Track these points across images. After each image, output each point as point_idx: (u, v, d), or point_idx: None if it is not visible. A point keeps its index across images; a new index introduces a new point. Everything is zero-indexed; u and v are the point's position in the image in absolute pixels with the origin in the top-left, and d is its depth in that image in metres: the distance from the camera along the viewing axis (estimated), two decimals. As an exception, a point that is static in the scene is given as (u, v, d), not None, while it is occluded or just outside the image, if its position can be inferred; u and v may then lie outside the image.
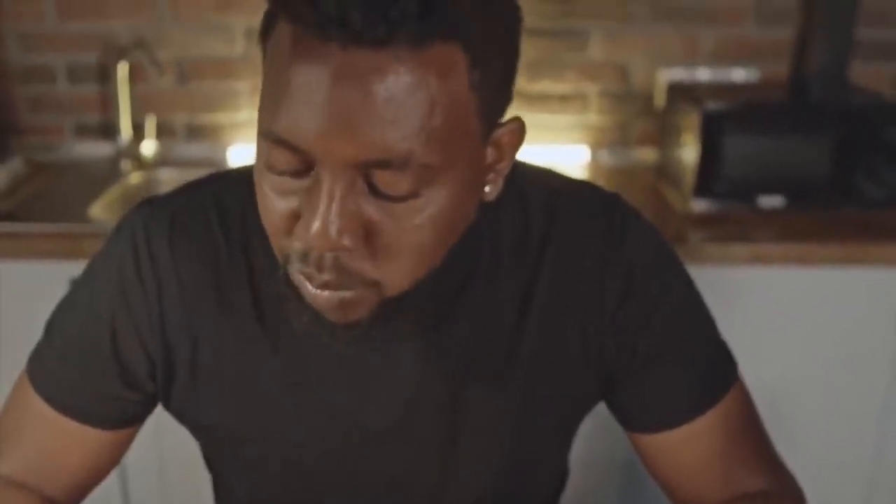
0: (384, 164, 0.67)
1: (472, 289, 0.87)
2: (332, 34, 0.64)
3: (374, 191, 0.69)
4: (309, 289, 0.74)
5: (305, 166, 0.69)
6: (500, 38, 0.72)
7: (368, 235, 0.70)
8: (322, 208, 0.68)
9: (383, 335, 0.83)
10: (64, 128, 2.42)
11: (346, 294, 0.73)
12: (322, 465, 0.93)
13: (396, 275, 0.73)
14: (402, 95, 0.65)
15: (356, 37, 0.64)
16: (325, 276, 0.72)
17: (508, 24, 0.73)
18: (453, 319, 0.87)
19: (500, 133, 0.75)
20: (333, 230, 0.68)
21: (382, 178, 0.68)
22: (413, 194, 0.69)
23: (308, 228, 0.68)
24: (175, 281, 0.88)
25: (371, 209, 0.70)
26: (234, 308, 0.89)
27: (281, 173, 0.71)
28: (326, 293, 0.73)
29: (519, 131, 0.77)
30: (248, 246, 0.88)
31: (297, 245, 0.72)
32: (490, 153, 0.76)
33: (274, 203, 0.72)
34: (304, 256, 0.72)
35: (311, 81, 0.65)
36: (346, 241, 0.69)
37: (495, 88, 0.72)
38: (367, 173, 0.68)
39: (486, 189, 0.78)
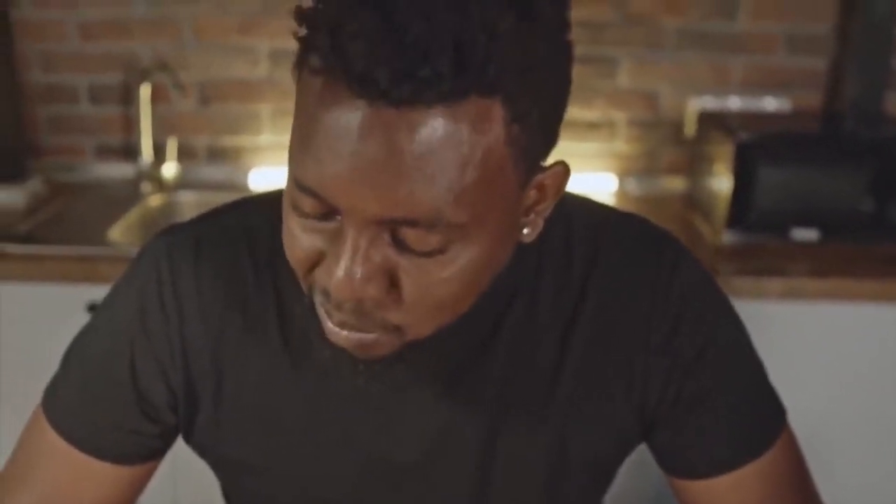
0: (411, 224, 0.65)
1: (511, 319, 0.84)
2: (360, 90, 0.61)
3: (400, 244, 0.67)
4: (328, 325, 0.72)
5: (331, 212, 0.67)
6: (545, 83, 0.67)
7: (392, 284, 0.68)
8: (346, 259, 0.66)
9: (407, 374, 0.81)
10: (85, 149, 2.41)
11: (366, 336, 0.72)
12: (344, 501, 0.90)
13: (420, 323, 0.72)
14: (431, 153, 0.62)
15: (383, 94, 0.60)
16: (344, 317, 0.71)
17: (556, 65, 0.68)
18: (491, 350, 0.84)
19: (542, 177, 0.72)
20: (357, 281, 0.66)
21: (409, 235, 0.66)
22: (440, 251, 0.67)
23: (331, 276, 0.67)
24: (199, 309, 0.86)
25: (396, 260, 0.67)
26: (260, 338, 0.86)
27: (307, 216, 0.69)
28: (345, 332, 0.72)
29: (563, 174, 0.74)
30: (276, 274, 0.86)
31: (320, 281, 0.70)
32: (531, 195, 0.73)
33: (299, 241, 0.70)
34: (326, 293, 0.70)
35: (339, 134, 0.63)
36: (370, 292, 0.67)
37: (537, 134, 0.68)
38: (393, 228, 0.66)
39: (525, 231, 0.75)
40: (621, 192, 2.34)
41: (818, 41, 2.24)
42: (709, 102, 2.28)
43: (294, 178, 0.67)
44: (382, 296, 0.68)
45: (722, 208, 1.96)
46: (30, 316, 1.89)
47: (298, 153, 0.66)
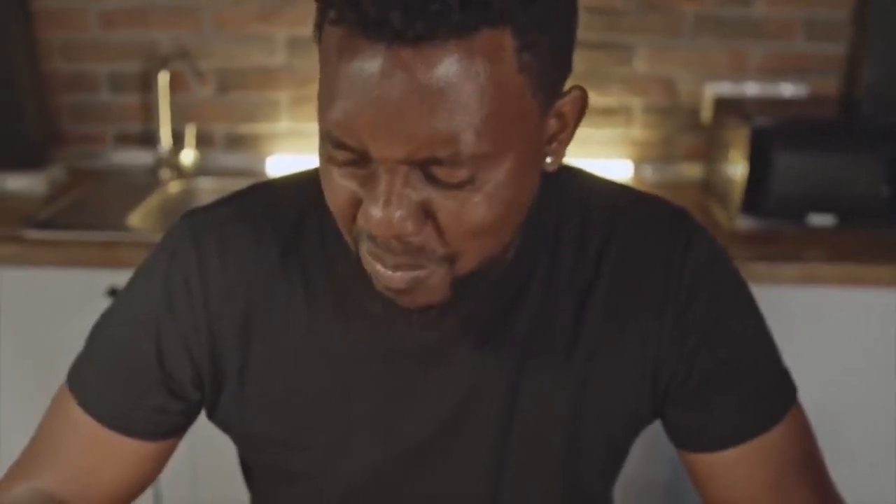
0: (437, 162, 0.67)
1: (532, 286, 0.86)
2: (376, 34, 0.63)
3: (432, 179, 0.69)
4: (380, 270, 0.74)
5: (364, 157, 0.69)
6: (552, 12, 0.69)
7: (430, 216, 0.71)
8: (381, 199, 0.69)
9: (455, 322, 0.83)
10: (105, 136, 2.43)
11: (420, 273, 0.73)
12: (369, 474, 0.92)
13: (465, 251, 0.73)
14: (449, 88, 0.64)
15: (398, 35, 0.63)
16: (398, 259, 0.73)
17: None
18: (516, 311, 0.86)
19: (561, 104, 0.74)
20: (394, 218, 0.69)
21: (438, 170, 0.68)
22: (470, 180, 0.69)
23: (370, 217, 0.69)
24: (224, 288, 0.87)
25: (430, 194, 0.70)
26: (284, 315, 0.88)
27: (342, 165, 0.71)
28: (399, 273, 0.73)
29: (581, 99, 0.76)
30: (300, 248, 0.88)
31: (365, 228, 0.72)
32: (552, 124, 0.75)
33: (339, 189, 0.73)
34: (373, 238, 0.72)
35: (360, 80, 0.65)
36: (408, 228, 0.70)
37: (549, 63, 0.70)
38: (422, 165, 0.68)
39: (548, 160, 0.77)
40: (638, 179, 2.34)
41: (836, 27, 2.23)
42: (726, 88, 2.28)
43: (324, 130, 0.69)
44: (422, 229, 0.70)
45: (738, 194, 1.96)
46: (51, 300, 1.91)
47: (326, 105, 0.68)
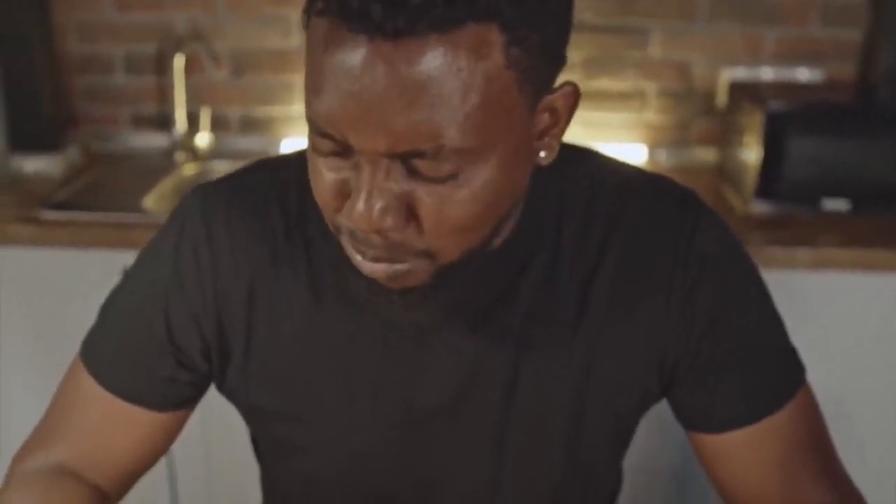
0: (419, 155, 0.67)
1: (533, 267, 0.86)
2: (358, 27, 0.63)
3: (414, 173, 0.69)
4: (360, 261, 0.75)
5: (346, 148, 0.70)
6: (543, 6, 0.68)
7: (412, 211, 0.70)
8: (363, 192, 0.69)
9: (440, 306, 0.82)
10: (120, 118, 2.43)
11: (400, 266, 0.74)
12: (372, 449, 0.92)
13: (445, 246, 0.73)
14: (431, 82, 0.64)
15: (378, 27, 0.63)
16: (376, 252, 0.73)
17: None
18: (514, 296, 0.86)
19: (552, 99, 0.74)
20: (375, 213, 0.69)
21: (421, 163, 0.68)
22: (453, 175, 0.69)
23: (351, 211, 0.69)
24: (232, 260, 0.88)
25: (412, 189, 0.70)
26: (290, 289, 0.88)
27: (326, 155, 0.71)
28: (380, 266, 0.74)
29: (573, 95, 0.75)
30: (305, 223, 0.88)
31: (346, 222, 0.72)
32: (544, 119, 0.74)
33: (323, 180, 0.73)
34: (353, 233, 0.73)
35: (342, 72, 0.65)
36: (389, 222, 0.69)
37: (540, 59, 0.69)
38: (404, 158, 0.68)
39: (542, 154, 0.77)
40: (652, 163, 2.33)
41: (853, 12, 2.21)
42: (741, 73, 2.26)
43: (309, 120, 0.70)
44: (402, 224, 0.70)
45: (752, 178, 1.96)
46: (66, 281, 1.92)
47: (310, 95, 0.69)
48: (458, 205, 0.70)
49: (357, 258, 0.75)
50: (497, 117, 0.68)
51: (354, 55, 0.64)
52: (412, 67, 0.63)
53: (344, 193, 0.72)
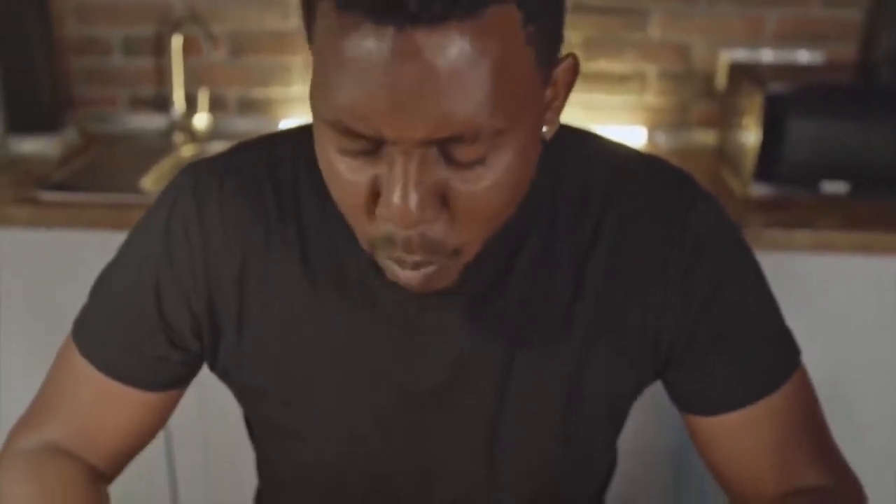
0: (456, 139, 0.67)
1: (527, 250, 0.86)
2: (387, 18, 0.62)
3: (449, 159, 0.69)
4: (398, 271, 0.74)
5: (376, 146, 0.69)
6: None
7: (444, 202, 0.70)
8: (399, 187, 0.68)
9: (431, 300, 0.83)
10: (118, 100, 2.43)
11: (430, 269, 0.74)
12: (366, 434, 0.92)
13: (472, 238, 0.74)
14: (465, 67, 0.64)
15: (413, 18, 0.62)
16: (416, 257, 0.72)
17: None
18: (508, 280, 0.86)
19: (556, 73, 0.74)
20: (414, 206, 0.68)
21: (455, 149, 0.68)
22: (481, 160, 0.69)
23: (389, 208, 0.68)
24: (223, 238, 0.88)
25: (444, 175, 0.69)
26: (282, 268, 0.88)
27: (354, 156, 0.70)
28: (415, 273, 0.74)
29: (573, 67, 0.76)
30: (299, 202, 0.88)
31: (381, 229, 0.72)
32: (548, 93, 0.75)
33: (350, 186, 0.72)
34: (391, 241, 0.72)
35: (371, 65, 0.64)
36: (428, 215, 0.69)
37: (550, 33, 0.70)
38: (439, 145, 0.68)
39: (544, 129, 0.77)
40: (651, 145, 2.33)
41: (854, -8, 2.21)
42: (741, 55, 2.26)
43: (331, 122, 0.68)
44: (439, 215, 0.70)
45: (751, 160, 1.95)
46: (64, 262, 1.92)
47: (330, 95, 0.67)
48: (489, 190, 0.70)
49: (395, 269, 0.74)
50: (521, 95, 0.68)
51: (382, 46, 0.63)
52: (446, 54, 0.63)
53: (374, 195, 0.71)
